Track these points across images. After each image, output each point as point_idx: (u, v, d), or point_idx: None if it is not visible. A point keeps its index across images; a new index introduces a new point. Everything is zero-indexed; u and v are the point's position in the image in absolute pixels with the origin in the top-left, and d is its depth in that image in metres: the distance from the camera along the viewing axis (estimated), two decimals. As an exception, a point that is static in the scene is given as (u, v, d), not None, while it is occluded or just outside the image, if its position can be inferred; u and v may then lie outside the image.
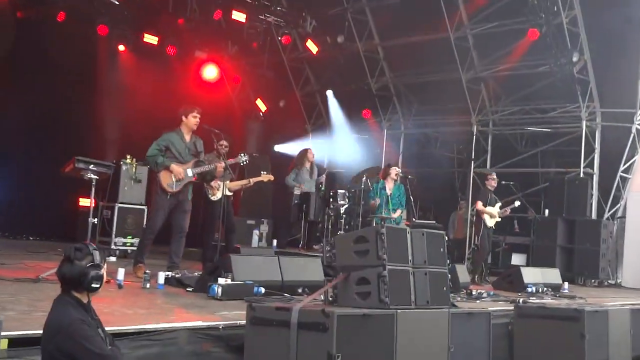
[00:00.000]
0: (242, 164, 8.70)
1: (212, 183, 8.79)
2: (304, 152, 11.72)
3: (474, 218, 11.62)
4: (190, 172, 7.68)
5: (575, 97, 12.79)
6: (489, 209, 10.86)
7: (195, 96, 12.80)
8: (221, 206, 8.48)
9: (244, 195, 11.42)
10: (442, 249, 5.50)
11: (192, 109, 7.72)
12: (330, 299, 5.08)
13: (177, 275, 7.10)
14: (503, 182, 11.32)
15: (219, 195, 8.93)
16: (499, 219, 11.01)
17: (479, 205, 10.90)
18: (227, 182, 8.67)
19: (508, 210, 10.98)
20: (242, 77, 15.83)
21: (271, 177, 9.66)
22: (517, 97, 13.73)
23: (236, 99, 16.14)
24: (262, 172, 9.73)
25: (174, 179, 7.55)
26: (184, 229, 7.67)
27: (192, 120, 7.68)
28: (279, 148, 16.13)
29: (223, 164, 8.03)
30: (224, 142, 8.70)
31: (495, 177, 11.14)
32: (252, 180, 9.35)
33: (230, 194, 9.18)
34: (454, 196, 15.47)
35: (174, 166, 7.56)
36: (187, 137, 7.74)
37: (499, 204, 11.03)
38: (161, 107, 12.18)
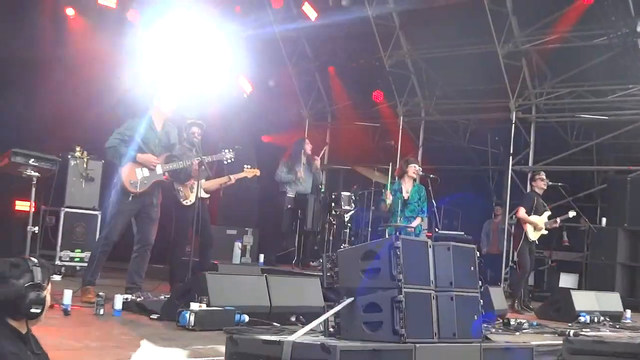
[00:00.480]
0: (225, 163, 8.72)
1: (185, 183, 8.78)
2: (300, 143, 11.73)
3: (513, 228, 11.62)
4: (159, 169, 7.67)
5: (640, 76, 12.83)
6: (534, 218, 10.80)
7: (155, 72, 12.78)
8: (195, 212, 8.46)
9: (223, 197, 11.42)
10: (472, 267, 5.49)
11: (167, 90, 7.72)
12: (332, 329, 5.08)
13: (138, 299, 7.08)
14: (549, 184, 11.33)
15: (192, 198, 8.94)
16: (545, 232, 10.98)
17: (522, 212, 10.83)
18: (203, 181, 8.70)
19: (558, 221, 10.92)
20: (222, 49, 15.80)
21: (257, 172, 9.62)
22: (567, 76, 13.74)
23: (213, 76, 16.11)
24: (244, 167, 9.72)
25: (139, 177, 7.54)
26: (149, 240, 7.66)
27: (167, 105, 7.68)
28: (267, 139, 16.12)
29: (199, 160, 8.01)
30: (196, 130, 8.68)
31: (544, 177, 11.08)
32: (233, 177, 9.35)
33: (207, 196, 9.16)
34: (487, 201, 15.49)
35: (141, 155, 7.55)
36: (159, 126, 7.73)
37: (547, 213, 10.97)
38: (122, 86, 12.16)
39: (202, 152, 8.28)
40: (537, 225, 10.78)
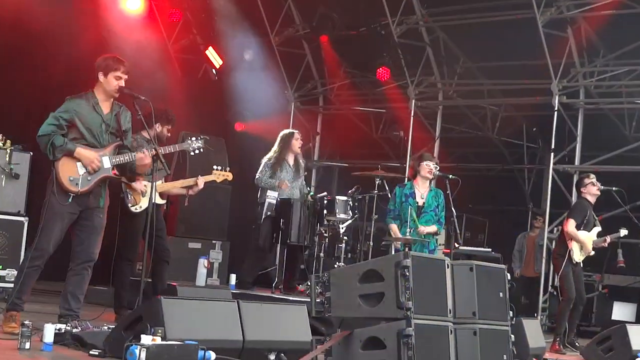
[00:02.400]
0: (192, 154, 8.68)
1: (135, 184, 8.78)
2: (288, 138, 11.72)
3: (554, 244, 11.64)
4: (107, 162, 7.68)
5: None
6: (582, 234, 10.85)
7: (108, 42, 12.79)
8: (147, 221, 8.46)
9: (185, 203, 11.41)
10: (501, 293, 5.53)
11: (115, 63, 7.73)
12: (322, 371, 5.12)
13: (74, 330, 7.09)
14: (602, 188, 11.36)
15: (144, 203, 8.94)
16: (592, 252, 11.03)
17: (572, 226, 10.84)
18: (160, 182, 8.67)
19: (608, 240, 11.00)
20: (185, 12, 15.82)
21: (228, 176, 9.68)
22: (625, 51, 13.80)
23: (174, 46, 16.13)
24: (214, 168, 9.74)
25: (80, 172, 7.55)
26: (91, 255, 7.68)
27: (113, 82, 7.70)
28: (241, 127, 16.13)
29: (150, 153, 7.98)
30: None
31: (595, 180, 11.05)
32: (201, 180, 9.37)
33: (162, 202, 9.18)
34: (521, 209, 15.54)
35: (82, 150, 7.56)
36: (105, 107, 7.75)
37: (597, 229, 11.03)
38: (58, 58, 12.15)
39: (156, 143, 8.27)
40: (585, 244, 10.84)
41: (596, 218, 11.12)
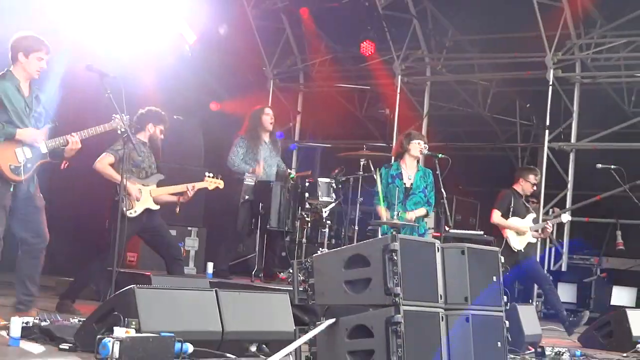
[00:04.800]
0: (120, 131, 8.46)
1: (130, 189, 8.83)
2: (258, 114, 11.69)
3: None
4: (44, 146, 7.70)
5: None
6: (513, 221, 11.10)
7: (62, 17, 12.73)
8: (139, 224, 9.13)
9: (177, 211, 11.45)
10: (495, 278, 5.54)
11: (36, 44, 7.72)
12: (306, 362, 5.12)
13: (43, 323, 7.07)
14: (599, 166, 11.40)
15: (139, 208, 9.23)
16: (534, 240, 11.30)
17: (496, 217, 11.11)
18: (153, 187, 9.12)
19: (549, 225, 11.33)
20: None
21: (220, 184, 10.01)
22: (624, 21, 13.82)
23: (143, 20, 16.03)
24: (206, 175, 9.97)
25: (21, 159, 7.57)
26: (43, 234, 7.77)
27: (35, 63, 7.69)
28: (216, 107, 16.09)
29: (77, 136, 7.93)
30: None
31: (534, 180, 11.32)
32: (192, 187, 9.64)
33: (157, 207, 9.46)
34: (514, 189, 15.57)
35: (22, 130, 7.54)
36: (26, 89, 7.74)
37: (531, 215, 11.30)
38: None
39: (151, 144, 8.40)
40: (519, 230, 11.07)
41: (528, 206, 11.34)
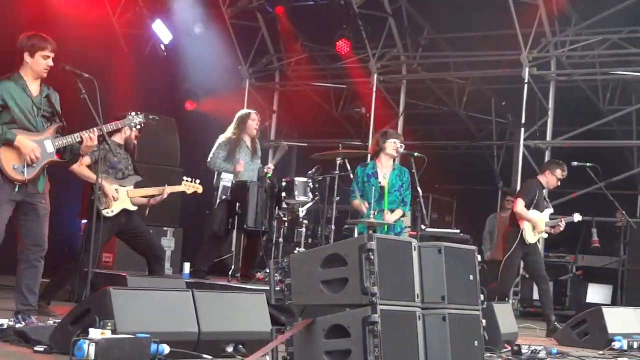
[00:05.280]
0: (134, 129, 8.77)
1: (106, 189, 8.86)
2: (244, 118, 11.70)
3: (507, 226, 11.71)
4: (50, 146, 7.66)
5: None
6: (533, 214, 11.06)
7: (49, 17, 12.69)
8: (117, 225, 9.15)
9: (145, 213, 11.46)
10: (471, 276, 5.57)
11: (41, 42, 7.69)
12: (283, 362, 5.15)
13: (17, 325, 7.06)
14: (574, 164, 11.46)
15: (116, 208, 9.18)
16: (545, 235, 11.32)
17: (520, 206, 11.05)
18: (130, 187, 9.14)
19: (562, 223, 11.24)
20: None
21: (198, 188, 10.03)
22: (599, 19, 13.87)
23: (120, 21, 16.03)
24: (184, 179, 10.02)
25: (25, 160, 7.52)
26: (43, 245, 7.71)
27: (41, 62, 7.67)
28: (192, 106, 16.07)
29: (92, 134, 7.95)
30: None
31: (562, 175, 11.25)
32: (168, 190, 9.67)
33: (134, 208, 9.47)
34: (491, 187, 15.64)
35: (21, 138, 7.51)
36: (34, 89, 7.71)
37: (549, 210, 11.29)
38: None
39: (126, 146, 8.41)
40: (536, 225, 11.04)
41: (547, 200, 11.32)
